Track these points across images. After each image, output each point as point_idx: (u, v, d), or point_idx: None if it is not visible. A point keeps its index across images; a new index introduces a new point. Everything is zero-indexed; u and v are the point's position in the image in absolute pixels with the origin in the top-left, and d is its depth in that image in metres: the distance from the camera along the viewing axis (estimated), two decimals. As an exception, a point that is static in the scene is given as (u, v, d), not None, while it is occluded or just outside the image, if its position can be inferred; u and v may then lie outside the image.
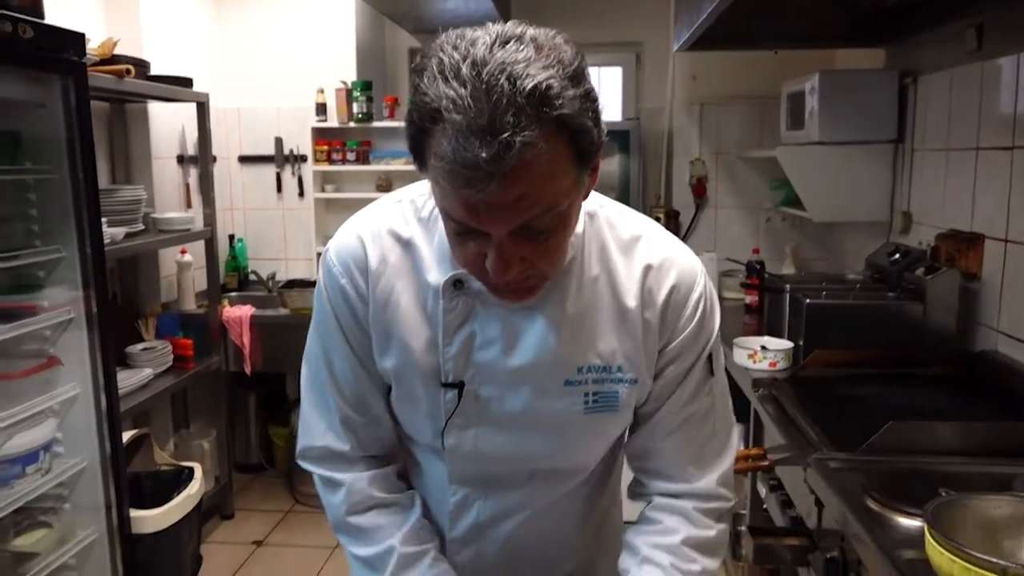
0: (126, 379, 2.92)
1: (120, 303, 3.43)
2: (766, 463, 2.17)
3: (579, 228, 1.01)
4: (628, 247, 1.05)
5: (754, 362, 2.58)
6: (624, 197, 4.09)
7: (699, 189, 4.05)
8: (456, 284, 1.00)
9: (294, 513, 3.85)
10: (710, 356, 1.09)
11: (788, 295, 2.76)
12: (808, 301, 2.62)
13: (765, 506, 2.52)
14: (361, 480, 1.09)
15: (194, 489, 2.67)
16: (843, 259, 3.70)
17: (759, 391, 2.47)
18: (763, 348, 2.59)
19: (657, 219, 4.03)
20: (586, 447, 1.10)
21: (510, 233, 0.85)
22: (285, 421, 4.04)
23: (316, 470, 1.12)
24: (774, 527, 2.23)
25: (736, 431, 1.15)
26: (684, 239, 4.08)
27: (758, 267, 3.56)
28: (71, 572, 2.38)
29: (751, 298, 3.53)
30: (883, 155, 2.98)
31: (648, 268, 1.04)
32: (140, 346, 3.21)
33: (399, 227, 1.04)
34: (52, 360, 2.26)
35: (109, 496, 2.38)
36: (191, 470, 2.78)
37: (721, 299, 3.87)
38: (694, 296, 1.06)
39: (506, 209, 0.82)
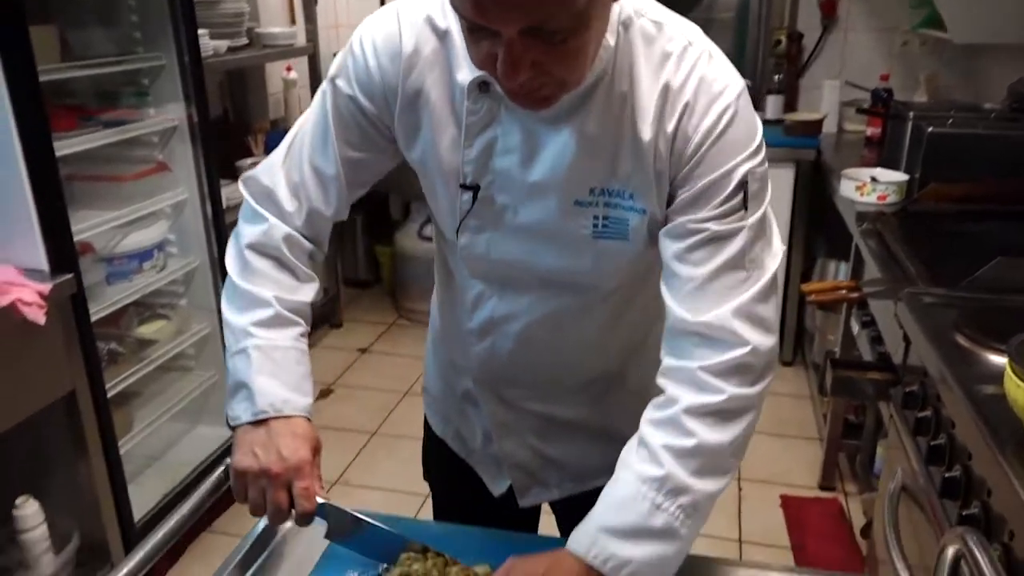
0: (236, 190, 3.05)
1: (231, 119, 3.54)
2: (857, 295, 2.09)
3: (611, 40, 0.92)
4: (658, 65, 0.94)
5: (861, 195, 2.42)
6: (743, 17, 3.78)
7: (828, 8, 3.68)
8: (482, 86, 0.95)
9: (397, 326, 4.07)
10: (744, 186, 0.93)
11: (910, 123, 2.53)
12: (931, 129, 2.40)
13: (857, 345, 2.45)
14: (280, 231, 1.06)
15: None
16: (985, 89, 3.34)
17: (863, 225, 2.34)
18: (873, 180, 2.42)
19: (777, 42, 3.74)
20: (596, 270, 1.03)
21: (520, 33, 0.78)
22: (389, 240, 4.19)
23: (249, 199, 1.09)
24: (859, 361, 2.17)
25: (769, 282, 0.95)
26: (807, 64, 3.79)
27: (885, 95, 3.27)
28: (190, 360, 2.64)
29: (873, 130, 3.27)
30: (1047, -37, 2.59)
31: (667, 89, 0.93)
32: (249, 160, 3.33)
33: (437, 17, 0.98)
34: (160, 165, 2.39)
35: (219, 295, 2.55)
36: (295, 278, 2.95)
37: (841, 131, 3.61)
38: (715, 110, 0.92)
39: (513, 6, 0.75)
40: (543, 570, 0.89)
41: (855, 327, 2.41)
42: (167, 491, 2.39)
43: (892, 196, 2.39)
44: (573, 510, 1.18)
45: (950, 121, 2.43)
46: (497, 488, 1.29)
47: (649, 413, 0.95)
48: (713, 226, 0.93)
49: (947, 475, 1.44)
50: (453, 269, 1.15)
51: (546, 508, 1.36)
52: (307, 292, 1.08)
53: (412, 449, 3.07)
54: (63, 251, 1.90)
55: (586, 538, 0.90)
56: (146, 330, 2.45)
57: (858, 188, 2.42)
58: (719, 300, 0.92)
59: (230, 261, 1.09)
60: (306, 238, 1.09)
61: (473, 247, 1.05)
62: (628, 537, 0.88)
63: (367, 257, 4.45)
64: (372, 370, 3.64)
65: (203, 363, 2.64)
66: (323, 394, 3.42)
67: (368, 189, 1.13)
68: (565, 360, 1.15)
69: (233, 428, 1.01)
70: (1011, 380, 1.18)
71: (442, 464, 1.38)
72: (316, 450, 0.99)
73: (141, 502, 2.26)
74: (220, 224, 2.52)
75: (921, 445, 1.63)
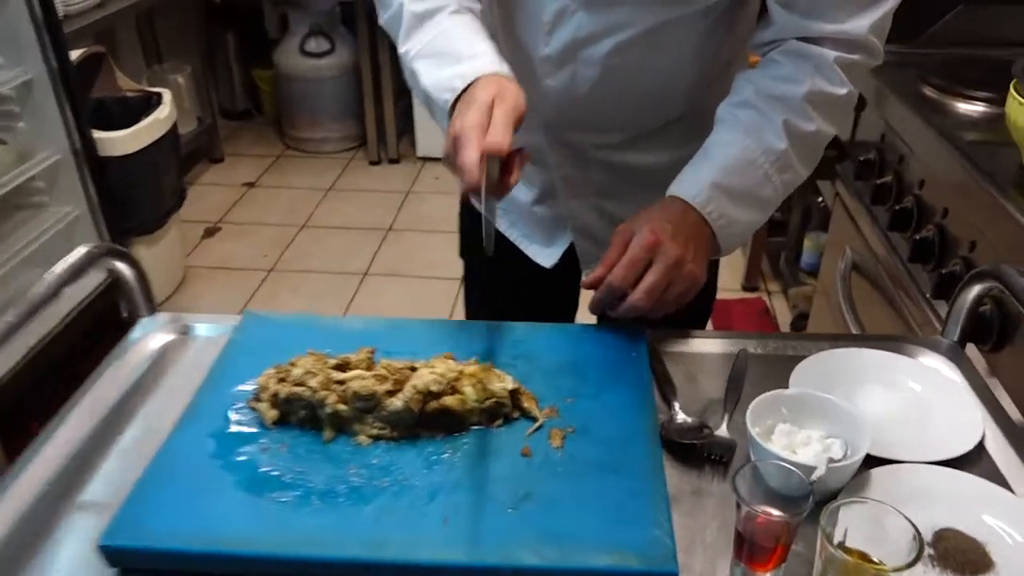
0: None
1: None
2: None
3: None
4: None
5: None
6: None
7: None
8: None
9: (285, 157, 3.69)
10: None
11: None
12: None
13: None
14: None
15: (164, 114, 2.45)
16: None
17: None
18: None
19: None
20: None
21: None
22: (268, 63, 3.72)
23: None
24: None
25: None
26: None
27: None
28: (41, 194, 2.25)
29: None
30: None
31: None
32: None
33: None
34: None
35: (66, 114, 2.16)
36: (159, 95, 2.54)
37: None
38: None
39: None
40: (672, 226, 0.83)
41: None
42: (32, 344, 2.08)
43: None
44: None
45: None
46: (548, 257, 1.15)
47: (766, 84, 0.89)
48: None
49: (917, 237, 1.32)
50: None
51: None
52: None
53: (319, 283, 2.87)
54: None
55: (703, 193, 0.86)
56: (-22, 157, 2.04)
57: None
58: (859, 11, 0.85)
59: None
60: None
61: None
62: (738, 200, 0.88)
63: (244, 84, 3.97)
64: (262, 205, 3.30)
65: (58, 197, 2.26)
66: (209, 233, 3.08)
67: None
68: (651, 93, 0.99)
69: None
70: (1015, 101, 1.03)
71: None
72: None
73: (3, 359, 1.95)
74: (54, 26, 2.08)
75: (879, 215, 1.50)
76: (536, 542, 0.62)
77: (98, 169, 2.25)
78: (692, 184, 0.87)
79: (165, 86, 3.13)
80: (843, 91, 0.88)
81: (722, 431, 0.76)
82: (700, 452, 0.74)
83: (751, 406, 0.72)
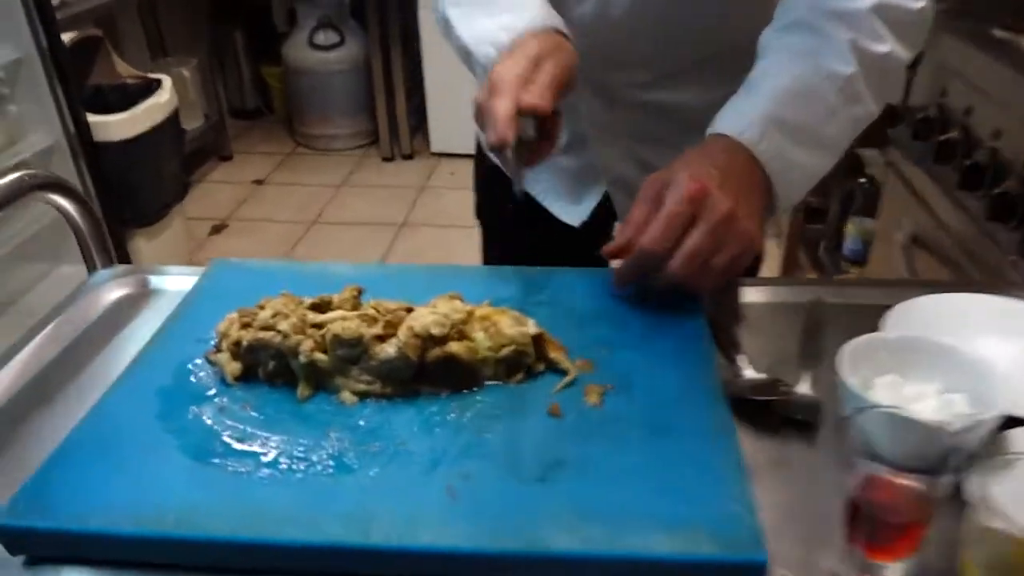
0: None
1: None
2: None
3: None
4: None
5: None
6: None
7: None
8: None
9: (296, 155, 3.57)
10: None
11: None
12: None
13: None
14: None
15: (163, 98, 2.33)
16: None
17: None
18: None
19: None
20: None
21: None
22: (277, 59, 3.61)
23: None
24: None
25: None
26: None
27: None
28: (34, 182, 2.13)
29: None
30: None
31: None
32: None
33: None
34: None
35: (59, 97, 2.05)
36: (159, 81, 2.42)
37: None
38: None
39: None
40: (719, 172, 0.66)
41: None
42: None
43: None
44: None
45: None
46: (577, 215, 1.00)
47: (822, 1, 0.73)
48: None
49: (996, 192, 1.15)
50: None
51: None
52: None
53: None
54: None
55: (753, 127, 0.69)
56: (-36, 138, 1.93)
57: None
58: None
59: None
60: None
61: None
62: (797, 137, 0.70)
63: (254, 82, 3.85)
64: (272, 202, 3.18)
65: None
66: (216, 230, 2.96)
67: None
68: (688, 22, 0.86)
69: None
70: None
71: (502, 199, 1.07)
72: None
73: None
74: (44, 5, 1.97)
75: (944, 176, 1.34)
76: (573, 521, 0.46)
77: (93, 154, 2.13)
78: (739, 117, 0.71)
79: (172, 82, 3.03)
80: (919, 3, 0.73)
81: (803, 388, 0.60)
82: (776, 414, 0.59)
83: (845, 351, 0.56)
